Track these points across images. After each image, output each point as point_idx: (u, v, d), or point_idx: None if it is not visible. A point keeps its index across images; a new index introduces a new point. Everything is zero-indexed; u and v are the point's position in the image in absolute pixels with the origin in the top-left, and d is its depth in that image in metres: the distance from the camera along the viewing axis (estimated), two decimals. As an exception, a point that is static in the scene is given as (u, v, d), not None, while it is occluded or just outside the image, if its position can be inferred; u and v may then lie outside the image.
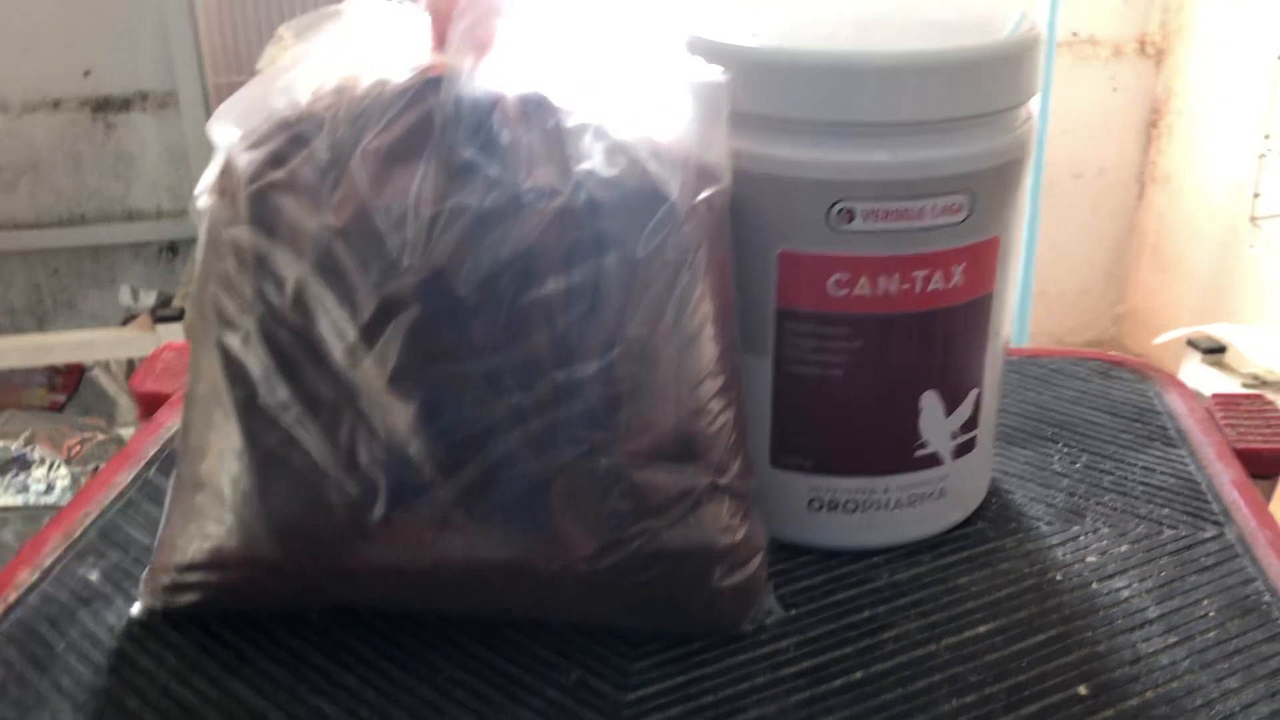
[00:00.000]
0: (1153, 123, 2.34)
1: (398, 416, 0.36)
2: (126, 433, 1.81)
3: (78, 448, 1.76)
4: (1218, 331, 1.49)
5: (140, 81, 2.00)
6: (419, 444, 0.36)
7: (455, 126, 0.36)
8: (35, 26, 1.94)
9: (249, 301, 0.37)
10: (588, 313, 0.36)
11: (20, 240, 2.08)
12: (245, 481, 0.38)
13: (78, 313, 2.15)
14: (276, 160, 0.37)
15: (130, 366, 1.88)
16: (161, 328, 1.63)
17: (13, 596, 0.43)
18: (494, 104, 0.37)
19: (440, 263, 0.35)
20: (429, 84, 0.37)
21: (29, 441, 1.75)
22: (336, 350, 0.36)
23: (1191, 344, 1.52)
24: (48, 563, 0.45)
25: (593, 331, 0.36)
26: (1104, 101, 2.32)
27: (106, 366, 1.87)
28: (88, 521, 0.48)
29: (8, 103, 2.00)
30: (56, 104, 2.03)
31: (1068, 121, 2.29)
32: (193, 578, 0.40)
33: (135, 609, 0.43)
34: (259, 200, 0.36)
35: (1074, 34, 2.26)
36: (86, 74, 2.00)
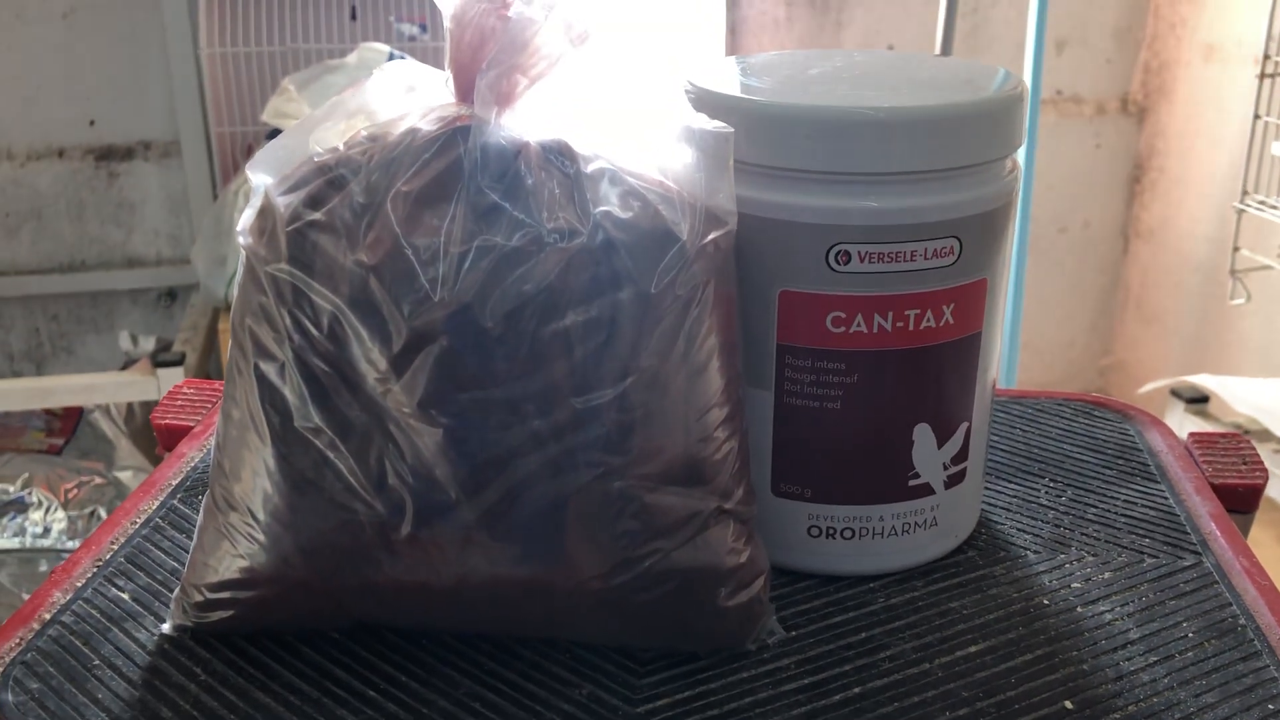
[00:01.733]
0: (1136, 178, 2.39)
1: (425, 440, 0.38)
2: (125, 476, 1.82)
3: (75, 491, 1.77)
4: (1201, 381, 1.52)
5: (144, 131, 2.04)
6: (444, 466, 0.38)
7: (482, 172, 0.39)
8: (42, 77, 1.98)
9: (286, 333, 0.39)
10: (604, 344, 0.38)
11: (21, 286, 2.11)
12: (278, 502, 0.40)
13: (76, 358, 2.17)
14: (314, 202, 0.39)
15: (130, 410, 1.90)
16: (162, 372, 1.65)
17: (47, 615, 0.45)
18: (518, 151, 0.40)
19: (467, 297, 0.37)
20: (457, 132, 0.40)
21: (26, 484, 1.77)
22: (368, 378, 0.38)
23: (1175, 394, 1.55)
24: (79, 584, 0.47)
25: (608, 362, 0.38)
26: (1088, 158, 2.38)
27: (106, 410, 1.89)
28: (116, 546, 0.50)
29: (13, 151, 2.04)
30: (61, 153, 2.06)
31: (1053, 177, 2.34)
32: (223, 595, 0.42)
33: (166, 626, 0.45)
34: (297, 239, 0.39)
35: (1058, 92, 2.31)
36: (91, 124, 2.03)
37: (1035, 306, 2.37)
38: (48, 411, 1.91)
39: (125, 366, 1.92)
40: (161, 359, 1.69)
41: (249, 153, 1.94)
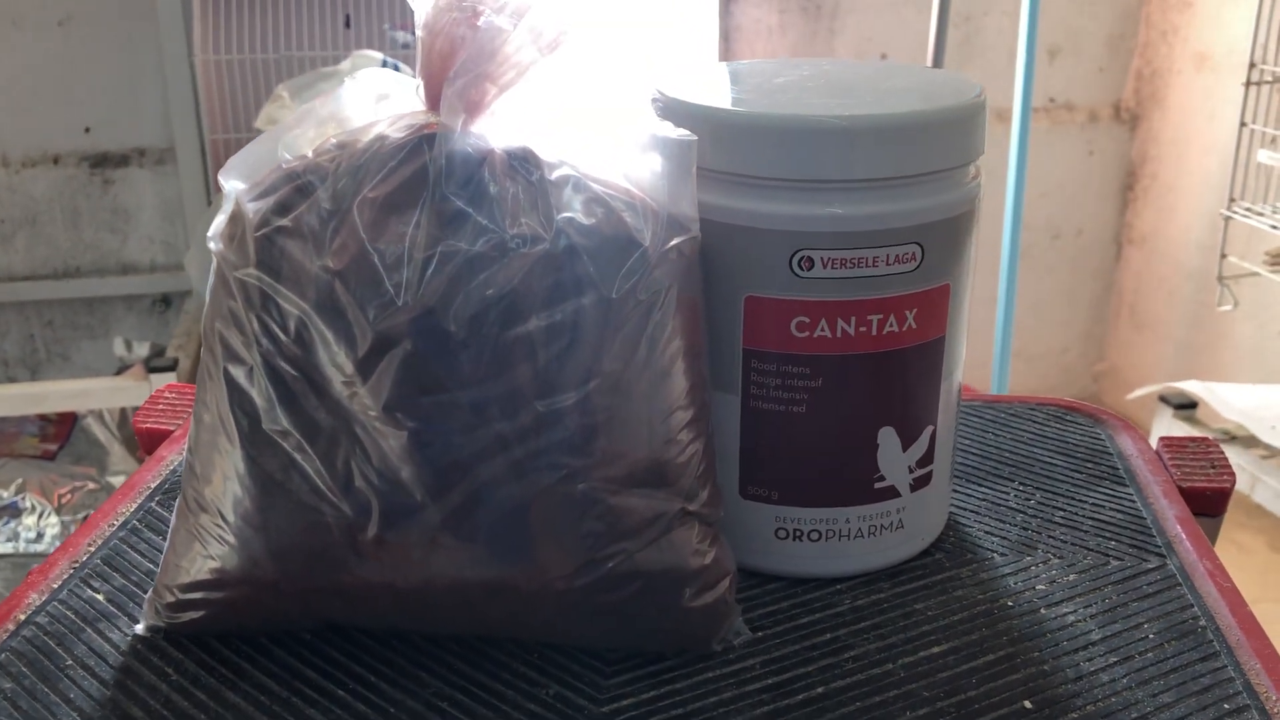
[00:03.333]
0: (1129, 185, 2.40)
1: (390, 443, 0.39)
2: (117, 481, 1.83)
3: (69, 496, 1.77)
4: (1189, 387, 1.53)
5: (139, 138, 2.05)
6: (410, 469, 0.39)
7: (448, 179, 0.39)
8: (38, 84, 1.99)
9: (254, 337, 0.40)
10: (567, 348, 0.39)
11: (16, 292, 2.11)
12: (247, 503, 0.40)
13: (71, 364, 2.18)
14: (282, 208, 0.40)
15: (124, 416, 1.91)
16: (155, 377, 1.66)
17: (21, 616, 0.46)
18: (483, 159, 0.40)
19: (432, 302, 0.38)
20: (424, 140, 0.40)
21: (20, 490, 1.77)
22: (335, 382, 0.39)
23: (1164, 400, 1.56)
24: (55, 585, 0.48)
25: (571, 365, 0.39)
26: (1081, 165, 2.39)
27: (100, 416, 1.89)
28: (93, 548, 0.51)
29: (8, 158, 2.04)
30: (56, 159, 2.07)
31: (1046, 184, 2.35)
32: (195, 596, 0.43)
33: (139, 627, 0.45)
34: (265, 244, 0.40)
35: (1051, 100, 2.32)
36: (87, 130, 2.04)
37: (1028, 313, 2.38)
38: (41, 417, 1.92)
39: (119, 372, 1.93)
40: (155, 364, 1.70)
41: (243, 159, 1.94)
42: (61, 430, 1.92)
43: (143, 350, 2.00)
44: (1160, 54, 2.23)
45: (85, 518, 1.76)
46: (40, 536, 1.72)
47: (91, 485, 1.79)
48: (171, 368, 1.64)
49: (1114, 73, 2.33)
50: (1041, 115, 2.30)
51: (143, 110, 2.04)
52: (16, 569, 1.73)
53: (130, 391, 1.69)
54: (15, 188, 2.08)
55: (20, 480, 1.78)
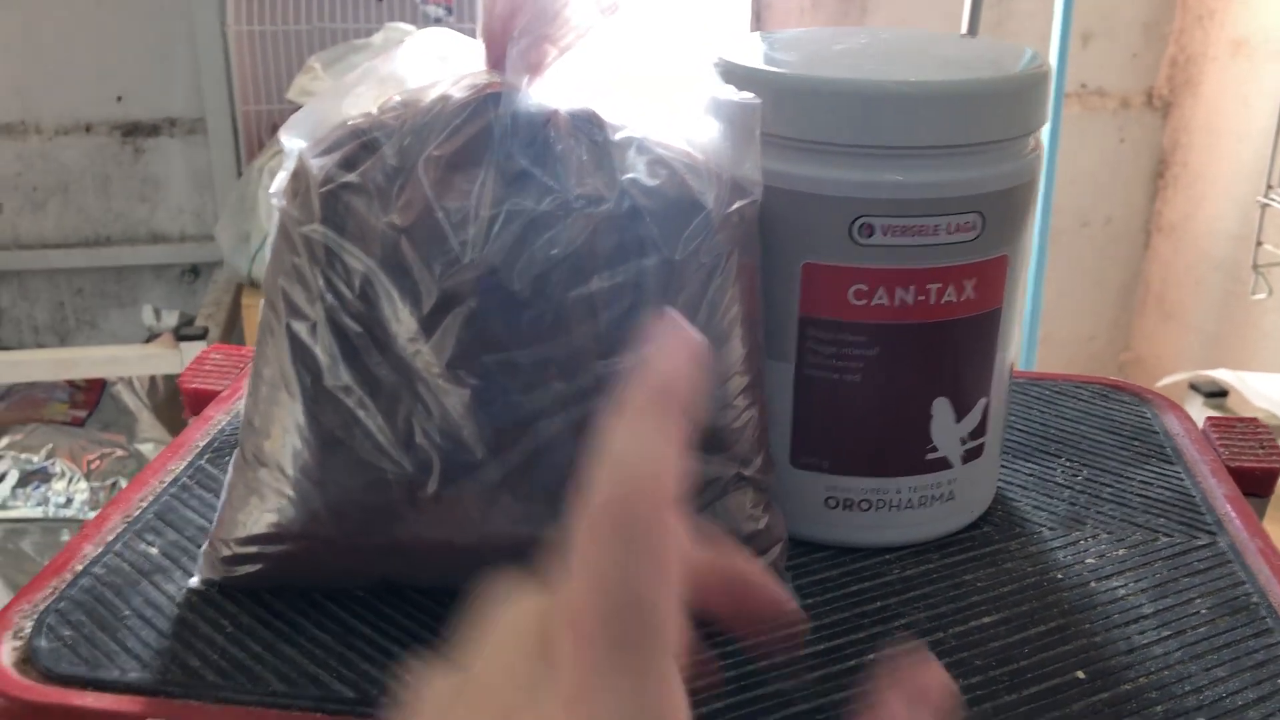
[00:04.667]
0: (1159, 173, 2.38)
1: (452, 400, 0.39)
2: (146, 448, 1.84)
3: (97, 463, 1.79)
4: (1219, 375, 1.52)
5: (170, 108, 2.05)
6: (471, 426, 0.39)
7: (512, 138, 0.39)
8: (71, 53, 2.00)
9: (318, 293, 0.40)
10: (628, 309, 0.39)
11: (47, 260, 2.12)
12: (307, 458, 0.41)
13: (100, 332, 2.19)
14: (348, 164, 0.40)
15: (153, 384, 1.92)
16: (185, 346, 1.66)
17: (79, 567, 0.46)
18: (547, 118, 0.40)
19: (496, 260, 0.38)
20: (488, 99, 0.40)
21: (50, 455, 1.79)
22: (398, 338, 0.39)
23: (1194, 388, 1.55)
24: (109, 538, 0.48)
25: (632, 327, 0.39)
26: (1111, 152, 2.37)
27: (129, 383, 1.91)
28: (145, 504, 0.51)
29: (41, 125, 2.05)
30: (88, 128, 2.08)
31: (1075, 171, 2.33)
32: (251, 550, 0.43)
33: (194, 580, 0.45)
34: (331, 200, 0.40)
35: (1083, 85, 2.31)
36: (118, 99, 2.05)
37: (1055, 300, 2.37)
38: (71, 384, 1.93)
39: (148, 341, 1.94)
40: (185, 333, 1.71)
41: (274, 130, 1.95)
42: (90, 397, 1.94)
43: (171, 319, 2.02)
44: (1196, 39, 2.21)
45: (114, 484, 1.78)
46: (69, 502, 1.74)
47: (120, 452, 1.81)
48: (201, 336, 1.65)
49: (1148, 59, 2.30)
50: (1073, 101, 2.28)
51: (174, 80, 2.05)
52: (46, 533, 1.75)
53: (161, 359, 1.70)
54: (47, 155, 2.09)
55: (50, 446, 1.80)
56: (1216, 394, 1.51)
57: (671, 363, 0.28)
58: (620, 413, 0.29)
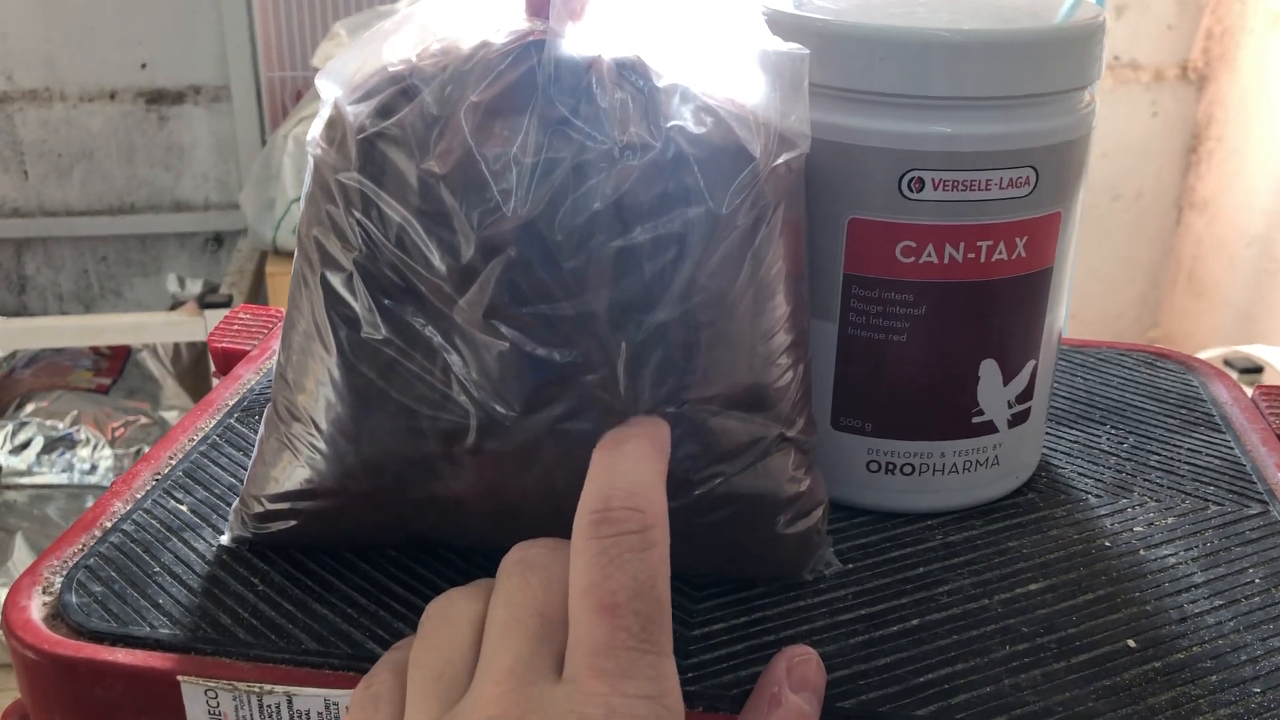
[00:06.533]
0: (1192, 148, 2.35)
1: (490, 353, 0.38)
2: (170, 416, 1.85)
3: (121, 430, 1.80)
4: (1255, 351, 1.50)
5: (195, 76, 2.05)
6: (509, 379, 0.38)
7: (555, 85, 0.38)
8: (96, 20, 1.99)
9: (354, 242, 0.39)
10: (672, 261, 0.38)
11: (72, 227, 2.13)
12: (341, 411, 0.40)
13: (124, 300, 2.20)
14: (385, 111, 0.39)
15: (178, 351, 1.92)
16: (209, 313, 1.67)
17: (108, 524, 0.46)
18: (590, 65, 0.39)
19: (538, 209, 0.37)
20: (530, 45, 0.39)
21: (75, 422, 1.79)
22: (436, 289, 0.38)
23: (1228, 364, 1.53)
24: (139, 495, 0.48)
25: (675, 279, 0.38)
26: (1144, 126, 2.34)
27: (154, 350, 1.91)
28: (174, 461, 0.51)
29: (66, 92, 2.05)
30: (113, 95, 2.08)
31: (1108, 144, 2.30)
32: (284, 506, 0.42)
33: (225, 538, 0.45)
34: (367, 147, 0.39)
35: (1116, 58, 2.27)
36: (143, 66, 2.04)
37: (1085, 276, 2.34)
38: (96, 351, 1.94)
39: (172, 309, 1.94)
40: (209, 300, 1.71)
41: (298, 98, 1.94)
42: (115, 365, 1.94)
43: (195, 287, 2.02)
44: (1233, 11, 2.17)
45: (138, 451, 1.78)
46: (94, 468, 1.75)
47: (144, 420, 1.81)
48: (226, 304, 1.65)
49: (1183, 30, 2.27)
50: (1106, 73, 2.24)
51: (199, 47, 2.04)
52: (71, 499, 1.75)
53: (186, 326, 1.70)
54: (72, 122, 2.09)
55: (75, 412, 1.80)
56: (1251, 369, 1.49)
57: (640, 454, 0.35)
58: (617, 439, 0.36)
